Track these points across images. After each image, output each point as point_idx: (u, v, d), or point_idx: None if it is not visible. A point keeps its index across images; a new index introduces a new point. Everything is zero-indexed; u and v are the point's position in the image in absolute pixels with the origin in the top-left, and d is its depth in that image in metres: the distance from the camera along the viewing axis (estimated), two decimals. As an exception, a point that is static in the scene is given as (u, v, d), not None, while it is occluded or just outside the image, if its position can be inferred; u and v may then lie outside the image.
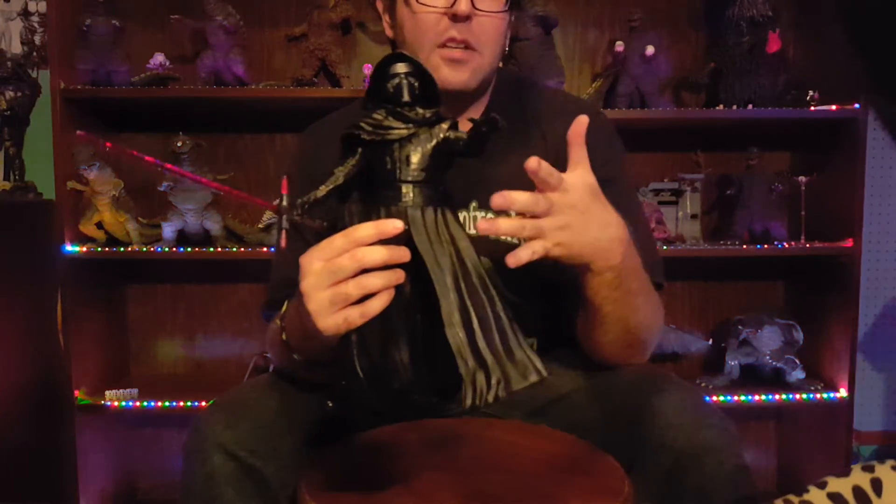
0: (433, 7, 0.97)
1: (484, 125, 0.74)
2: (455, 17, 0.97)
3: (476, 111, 1.08)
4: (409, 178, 0.74)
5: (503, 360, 0.71)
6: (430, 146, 0.75)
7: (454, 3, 0.96)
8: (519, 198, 0.76)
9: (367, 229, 0.71)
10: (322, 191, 0.74)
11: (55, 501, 1.83)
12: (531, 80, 1.20)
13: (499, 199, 0.75)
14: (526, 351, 0.73)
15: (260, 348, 2.02)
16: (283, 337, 0.91)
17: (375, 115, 0.75)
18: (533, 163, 0.77)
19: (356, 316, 0.70)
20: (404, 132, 0.74)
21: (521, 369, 0.72)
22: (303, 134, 1.16)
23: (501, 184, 0.85)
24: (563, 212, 0.80)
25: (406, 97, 0.75)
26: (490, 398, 0.70)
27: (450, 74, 0.99)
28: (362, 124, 0.74)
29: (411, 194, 0.74)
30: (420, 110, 0.75)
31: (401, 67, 0.76)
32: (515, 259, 0.75)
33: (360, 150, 0.75)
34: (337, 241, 0.71)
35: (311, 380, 0.92)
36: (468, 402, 0.70)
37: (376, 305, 0.70)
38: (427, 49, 0.99)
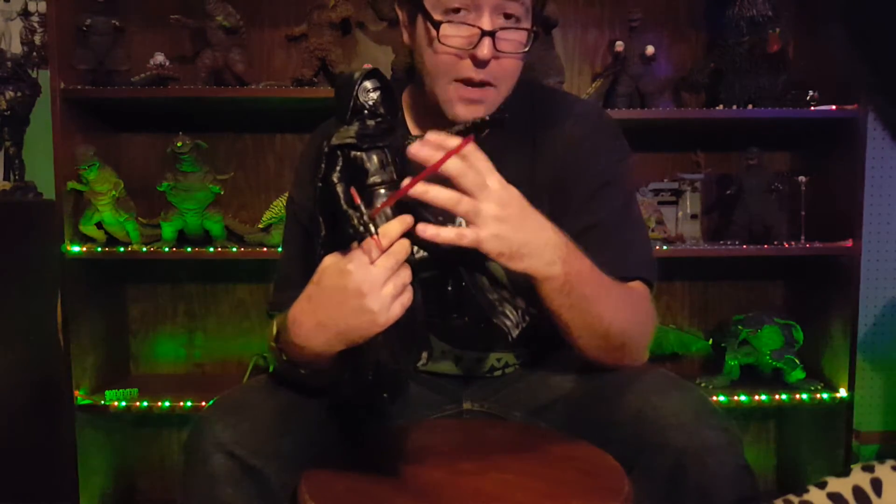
0: (455, 48, 0.94)
1: (483, 126, 0.81)
2: (476, 60, 0.94)
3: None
4: (393, 178, 0.81)
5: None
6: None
7: (476, 45, 0.93)
8: (438, 193, 0.78)
9: (397, 226, 0.77)
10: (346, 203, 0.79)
11: (55, 501, 1.82)
12: (540, 84, 1.19)
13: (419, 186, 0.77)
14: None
15: (260, 348, 2.02)
16: (284, 357, 0.91)
17: (357, 126, 0.81)
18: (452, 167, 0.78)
19: (407, 300, 0.77)
20: (389, 139, 0.82)
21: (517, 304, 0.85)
22: (315, 131, 1.15)
23: None
24: (500, 204, 0.80)
25: (382, 109, 0.82)
26: (522, 322, 0.83)
27: (464, 112, 0.97)
28: (353, 135, 0.80)
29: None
30: (389, 118, 0.82)
31: (373, 83, 0.82)
32: (434, 233, 0.78)
33: (353, 154, 0.80)
34: (374, 247, 0.76)
35: (315, 385, 0.92)
36: (514, 331, 0.82)
37: (409, 290, 0.78)
38: (443, 82, 0.97)
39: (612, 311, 0.91)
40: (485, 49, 0.93)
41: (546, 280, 0.86)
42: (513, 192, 0.83)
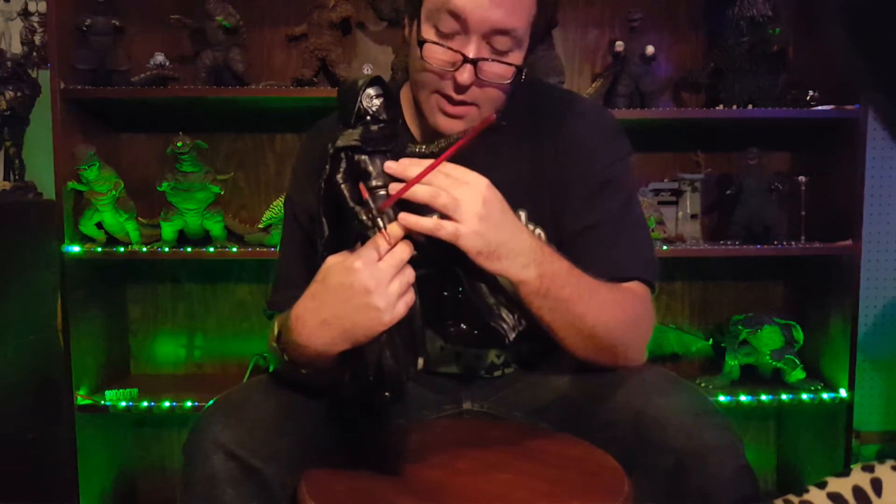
0: (437, 69, 0.94)
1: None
2: (455, 84, 0.94)
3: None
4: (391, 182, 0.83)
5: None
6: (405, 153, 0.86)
7: (458, 69, 0.93)
8: (417, 189, 0.80)
9: (398, 227, 0.79)
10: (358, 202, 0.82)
11: (55, 501, 1.82)
12: (541, 82, 1.19)
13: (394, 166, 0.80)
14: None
15: (260, 348, 2.02)
16: (285, 357, 0.91)
17: (361, 129, 0.82)
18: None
19: (411, 299, 0.79)
20: (391, 145, 0.84)
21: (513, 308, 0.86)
22: (310, 131, 1.15)
23: (509, 187, 0.85)
24: (481, 202, 0.81)
25: (384, 116, 0.84)
26: (519, 326, 0.84)
27: (444, 123, 0.97)
28: (357, 138, 0.82)
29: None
30: (392, 123, 0.85)
31: (376, 90, 0.84)
32: (415, 221, 0.79)
33: (356, 157, 0.82)
34: (382, 242, 0.78)
35: (316, 385, 0.92)
36: (511, 334, 0.83)
37: (412, 290, 0.79)
38: (426, 91, 0.97)
39: (595, 310, 0.91)
40: (465, 75, 0.93)
41: (522, 283, 0.86)
42: (494, 193, 0.84)
